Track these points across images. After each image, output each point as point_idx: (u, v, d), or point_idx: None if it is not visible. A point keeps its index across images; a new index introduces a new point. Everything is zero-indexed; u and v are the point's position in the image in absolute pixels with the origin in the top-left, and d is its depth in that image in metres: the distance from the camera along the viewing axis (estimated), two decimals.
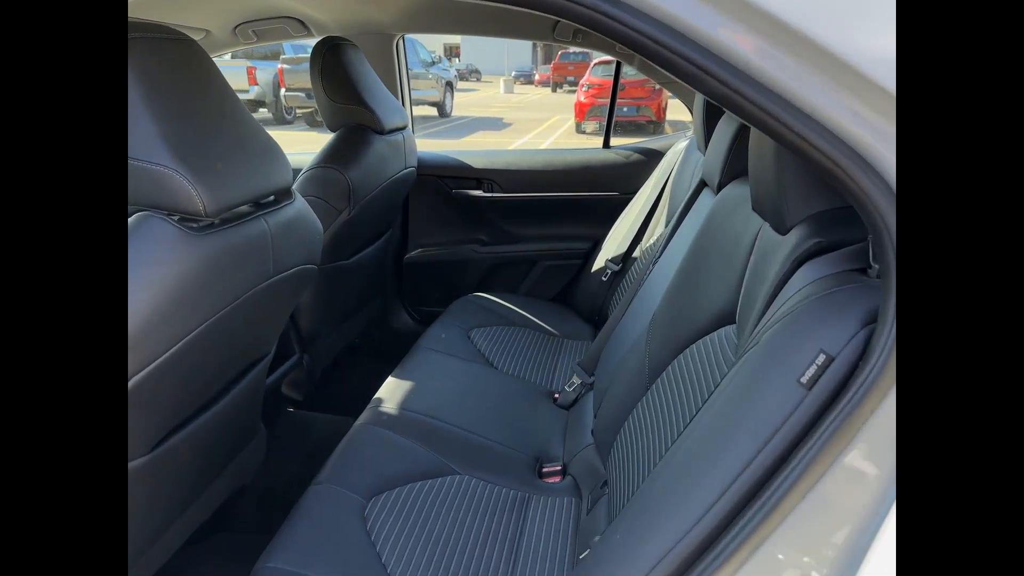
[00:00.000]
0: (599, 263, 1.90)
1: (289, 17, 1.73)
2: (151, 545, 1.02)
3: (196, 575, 1.29)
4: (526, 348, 1.69)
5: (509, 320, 1.82)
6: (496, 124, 12.29)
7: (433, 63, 12.60)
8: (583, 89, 10.48)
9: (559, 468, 1.27)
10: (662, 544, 0.55)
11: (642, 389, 1.08)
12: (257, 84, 10.14)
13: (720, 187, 1.11)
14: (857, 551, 0.47)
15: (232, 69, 10.00)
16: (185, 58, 0.85)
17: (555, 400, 1.49)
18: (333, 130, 1.60)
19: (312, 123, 10.54)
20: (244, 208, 0.92)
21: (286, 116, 10.74)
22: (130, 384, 0.75)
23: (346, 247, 1.61)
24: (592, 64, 10.96)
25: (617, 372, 1.23)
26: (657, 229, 1.73)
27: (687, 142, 1.79)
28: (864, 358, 0.48)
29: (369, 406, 1.32)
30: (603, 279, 1.84)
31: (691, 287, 1.02)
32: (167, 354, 0.78)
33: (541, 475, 1.25)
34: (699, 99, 1.52)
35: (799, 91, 0.46)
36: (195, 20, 1.69)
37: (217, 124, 0.85)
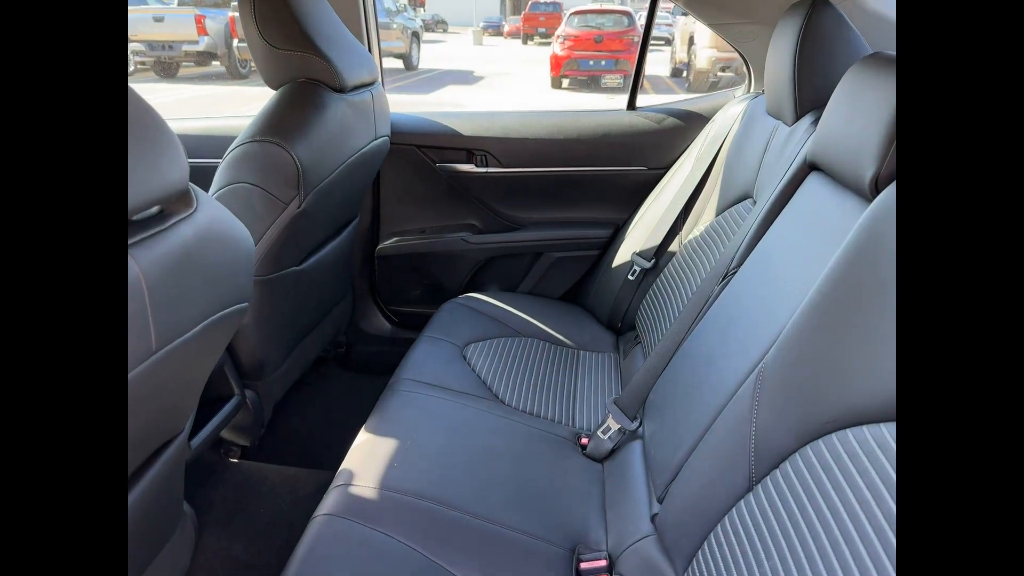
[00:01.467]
0: (623, 256, 1.52)
1: None
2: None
3: None
4: (537, 367, 1.32)
5: (512, 328, 1.45)
6: (467, 78, 11.59)
7: (398, 11, 11.75)
8: (559, 41, 9.89)
9: (603, 563, 0.92)
10: None
11: (743, 482, 0.73)
12: (207, 34, 9.27)
13: (878, 186, 0.74)
14: None
15: (179, 18, 9.12)
16: None
17: (583, 448, 1.14)
18: (274, 88, 1.16)
19: None
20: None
21: (240, 70, 9.91)
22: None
23: (298, 249, 1.20)
24: (567, 15, 10.32)
25: (691, 438, 0.88)
26: (704, 217, 1.35)
27: (744, 103, 1.40)
28: None
29: (334, 483, 0.95)
30: (629, 277, 1.47)
31: (839, 340, 0.65)
32: None
33: (579, 574, 0.91)
34: (779, 47, 1.13)
35: None
36: None
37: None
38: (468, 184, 1.65)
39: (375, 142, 1.32)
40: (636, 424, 1.11)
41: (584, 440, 1.16)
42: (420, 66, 12.61)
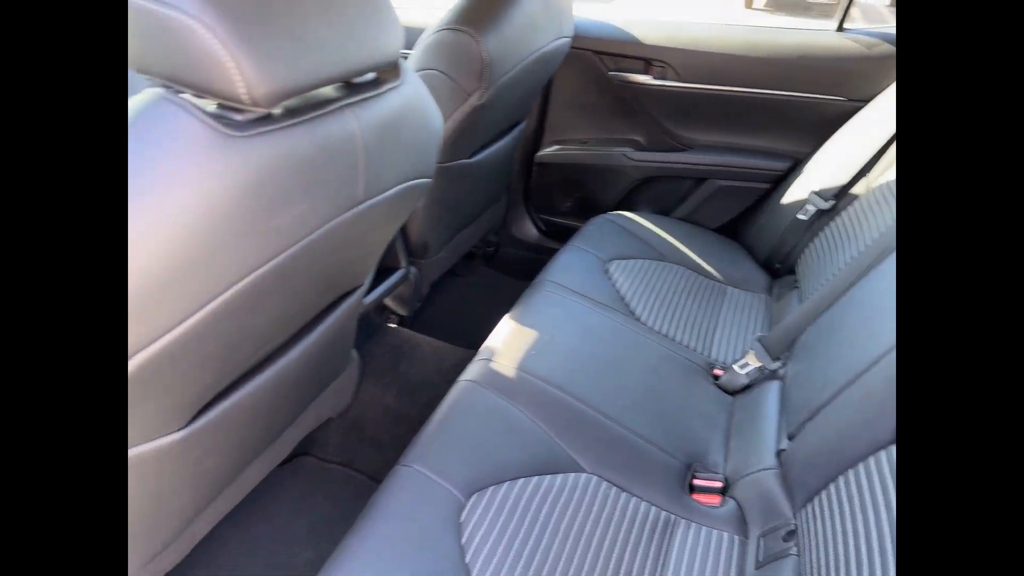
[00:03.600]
0: (797, 193, 1.42)
1: None
2: (236, 476, 0.85)
3: (278, 496, 1.16)
4: (679, 295, 1.31)
5: (659, 252, 1.43)
6: None
7: None
8: None
9: (718, 485, 0.94)
10: None
11: (887, 435, 0.70)
12: None
13: None
14: None
15: None
16: None
17: (715, 378, 1.14)
18: None
19: None
20: (324, 92, 0.59)
21: None
22: (138, 361, 0.49)
23: (471, 141, 1.26)
24: None
25: (839, 382, 0.84)
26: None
27: None
28: None
29: (477, 357, 1.04)
30: (799, 216, 1.37)
31: None
32: (188, 321, 0.51)
33: (692, 489, 0.94)
34: None
35: None
36: None
37: None
38: (640, 96, 1.60)
39: (558, 41, 1.32)
40: (777, 365, 1.08)
41: (718, 371, 1.15)
42: None
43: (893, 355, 0.76)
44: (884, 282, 0.92)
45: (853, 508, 0.69)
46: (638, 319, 1.22)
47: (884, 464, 0.68)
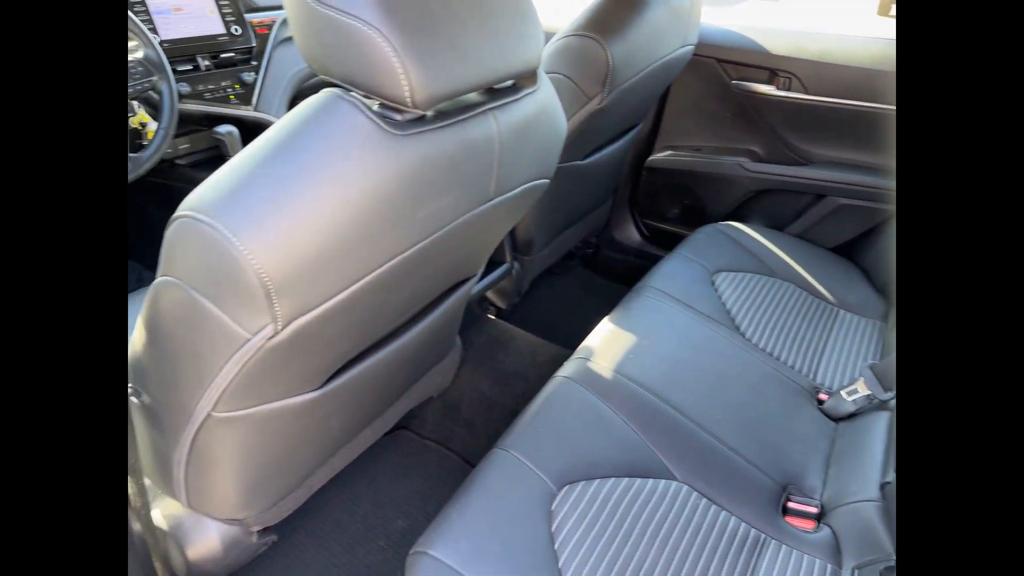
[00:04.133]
0: None
1: None
2: (326, 462, 0.93)
3: (378, 464, 1.25)
4: (787, 313, 1.27)
5: (769, 267, 1.39)
6: None
7: None
8: None
9: (814, 510, 0.92)
10: None
11: None
12: None
13: None
14: None
15: None
16: None
17: (820, 403, 1.10)
18: None
19: None
20: (472, 97, 0.64)
21: None
22: (289, 331, 0.56)
23: (586, 143, 1.29)
24: None
25: None
26: None
27: None
28: None
29: (575, 354, 1.07)
30: None
31: None
32: (339, 297, 0.57)
33: (786, 511, 0.92)
34: None
35: None
36: None
37: None
38: (761, 107, 1.56)
39: (681, 49, 1.31)
40: (889, 396, 1.03)
41: (823, 396, 1.11)
42: None
43: None
44: None
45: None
46: (742, 334, 1.20)
47: None
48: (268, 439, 0.73)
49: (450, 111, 0.60)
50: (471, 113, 0.62)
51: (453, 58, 0.55)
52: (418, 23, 0.52)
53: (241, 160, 0.53)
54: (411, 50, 0.51)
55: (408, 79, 0.51)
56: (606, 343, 1.08)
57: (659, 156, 1.73)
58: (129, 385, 0.64)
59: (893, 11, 1.95)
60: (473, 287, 1.05)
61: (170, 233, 0.53)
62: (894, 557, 0.77)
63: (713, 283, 1.31)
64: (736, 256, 1.40)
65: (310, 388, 0.71)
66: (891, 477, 0.88)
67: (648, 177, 1.77)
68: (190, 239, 0.51)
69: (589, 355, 1.06)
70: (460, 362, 1.26)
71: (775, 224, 1.63)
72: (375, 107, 0.55)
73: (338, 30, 0.51)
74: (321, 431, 0.81)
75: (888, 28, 1.57)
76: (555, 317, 1.73)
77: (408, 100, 0.52)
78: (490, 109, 0.64)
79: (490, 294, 1.48)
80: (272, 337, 0.55)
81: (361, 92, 0.55)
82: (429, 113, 0.58)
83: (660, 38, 1.21)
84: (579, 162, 1.33)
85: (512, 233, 1.36)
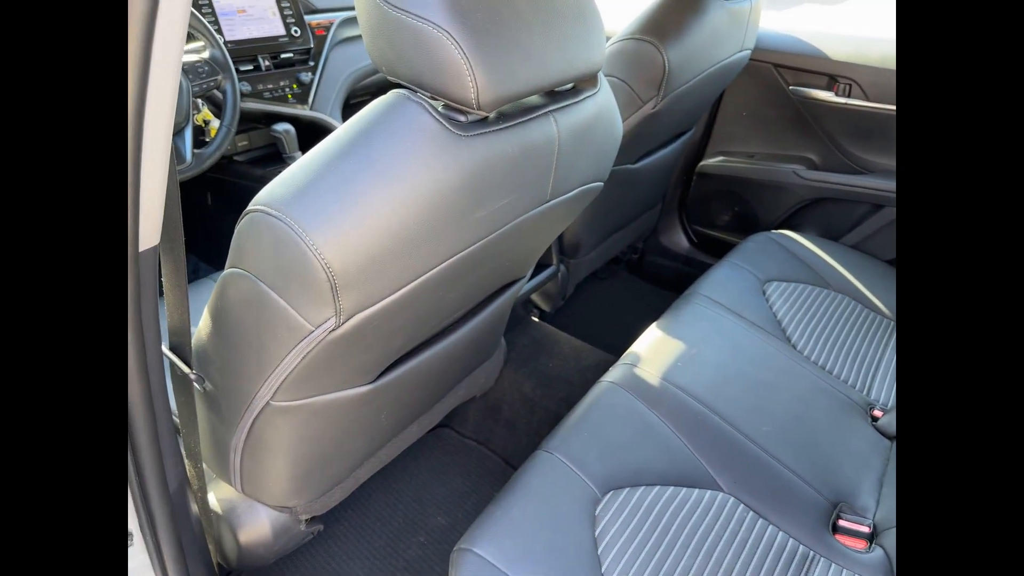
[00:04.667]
0: None
1: None
2: (373, 455, 0.95)
3: (419, 461, 1.27)
4: (841, 325, 1.23)
5: (823, 278, 1.35)
6: None
7: None
8: None
9: (866, 530, 0.88)
10: None
11: None
12: None
13: None
14: None
15: None
16: None
17: (874, 419, 1.06)
18: None
19: None
20: (534, 99, 0.65)
21: None
22: (350, 325, 0.58)
23: (638, 147, 1.27)
24: None
25: None
26: None
27: None
28: None
29: (622, 360, 1.06)
30: None
31: None
32: (399, 293, 0.58)
33: (836, 529, 0.89)
34: None
35: None
36: None
37: None
38: (819, 114, 1.52)
39: (737, 54, 1.29)
40: None
41: (877, 412, 1.07)
42: None
43: None
44: None
45: None
46: (793, 345, 1.17)
47: None
48: (321, 429, 0.74)
49: (512, 113, 0.61)
50: (532, 115, 0.62)
51: (518, 60, 0.55)
52: (485, 26, 0.52)
53: (311, 158, 0.54)
54: (478, 52, 0.52)
55: (474, 81, 0.52)
56: (653, 350, 1.07)
57: (711, 162, 1.71)
58: (193, 372, 0.67)
59: None
60: (520, 290, 1.06)
61: (241, 227, 0.55)
62: None
63: (764, 292, 1.28)
64: (789, 266, 1.36)
65: (364, 381, 0.73)
66: None
67: (699, 183, 1.74)
68: (261, 232, 0.53)
69: (636, 361, 1.05)
70: (504, 363, 1.27)
71: (830, 234, 1.58)
72: (440, 108, 0.56)
73: (408, 32, 0.52)
74: (371, 424, 0.83)
75: None
76: (599, 322, 1.71)
77: (473, 102, 0.53)
78: (551, 111, 0.64)
79: (535, 296, 1.48)
80: (334, 330, 0.57)
81: (427, 93, 0.56)
82: (491, 115, 0.59)
83: (718, 42, 1.19)
84: (630, 166, 1.31)
85: (560, 236, 1.36)
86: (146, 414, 0.57)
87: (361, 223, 0.52)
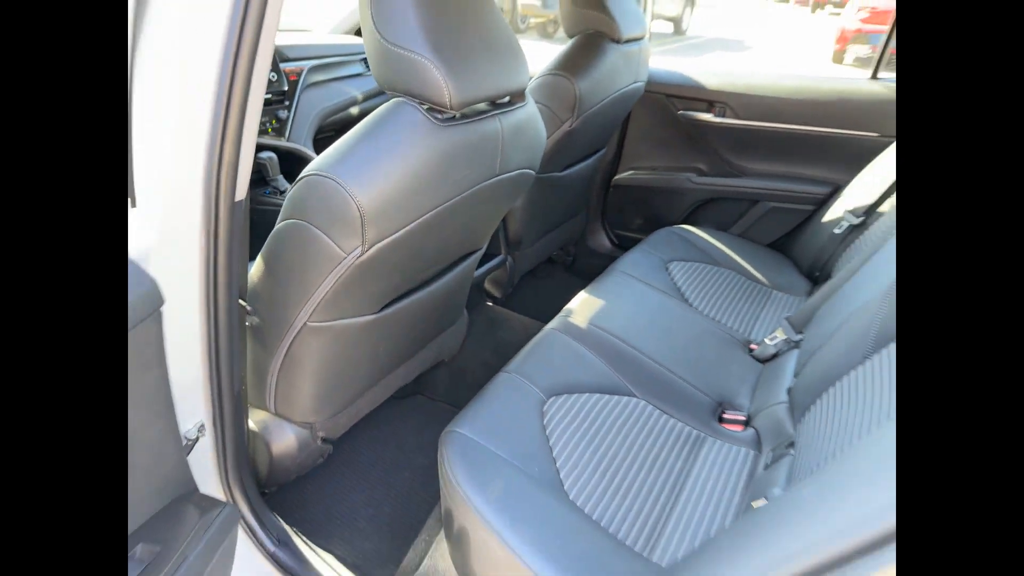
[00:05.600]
0: (835, 212, 1.67)
1: None
2: (370, 388, 1.21)
3: (398, 425, 1.51)
4: (728, 291, 1.59)
5: (714, 259, 1.71)
6: (735, 46, 11.12)
7: None
8: (854, 12, 8.92)
9: (742, 418, 1.21)
10: (851, 516, 0.50)
11: (859, 357, 0.96)
12: None
13: None
14: None
15: None
16: None
17: (751, 351, 1.40)
18: (571, 36, 1.58)
19: (544, 34, 10.55)
20: (482, 106, 0.96)
21: (520, 25, 10.88)
22: (370, 252, 0.86)
23: (562, 159, 1.62)
24: None
25: (833, 335, 1.11)
26: None
27: None
28: None
29: (560, 314, 1.37)
30: (835, 231, 1.63)
31: None
32: (401, 231, 0.87)
33: (721, 420, 1.21)
34: None
35: None
36: None
37: (468, 19, 0.89)
38: (703, 131, 1.92)
39: (632, 85, 1.67)
40: (800, 337, 1.34)
41: (754, 346, 1.41)
42: (689, 31, 12.39)
43: (873, 303, 1.02)
44: (883, 257, 1.18)
45: (829, 413, 0.95)
46: (691, 305, 1.51)
47: (855, 377, 0.94)
48: (339, 352, 1.01)
49: (471, 114, 0.92)
50: (485, 115, 0.93)
51: (475, 78, 0.87)
52: (453, 56, 0.84)
53: (345, 140, 0.83)
54: (450, 73, 0.83)
55: (447, 91, 0.83)
56: (582, 306, 1.39)
57: (623, 175, 2.08)
58: (246, 305, 0.92)
59: (846, 60, 2.36)
60: (477, 263, 1.35)
61: (298, 187, 0.83)
62: (793, 435, 1.06)
63: (668, 270, 1.62)
64: (687, 251, 1.72)
65: (371, 311, 1.00)
66: (792, 382, 1.18)
67: (614, 193, 2.11)
68: (314, 188, 0.81)
69: (569, 314, 1.36)
70: (466, 332, 1.55)
71: (719, 226, 1.97)
72: (425, 109, 0.86)
73: (403, 60, 0.83)
74: (373, 353, 1.09)
75: (826, 70, 1.95)
76: (542, 306, 2.03)
77: (447, 105, 0.84)
78: (496, 114, 0.96)
79: (488, 285, 1.78)
80: (359, 257, 0.85)
81: (416, 100, 0.86)
82: (458, 114, 0.90)
83: (616, 75, 1.56)
84: (557, 174, 1.66)
85: (506, 232, 1.67)
86: (228, 321, 0.83)
87: (379, 179, 0.81)
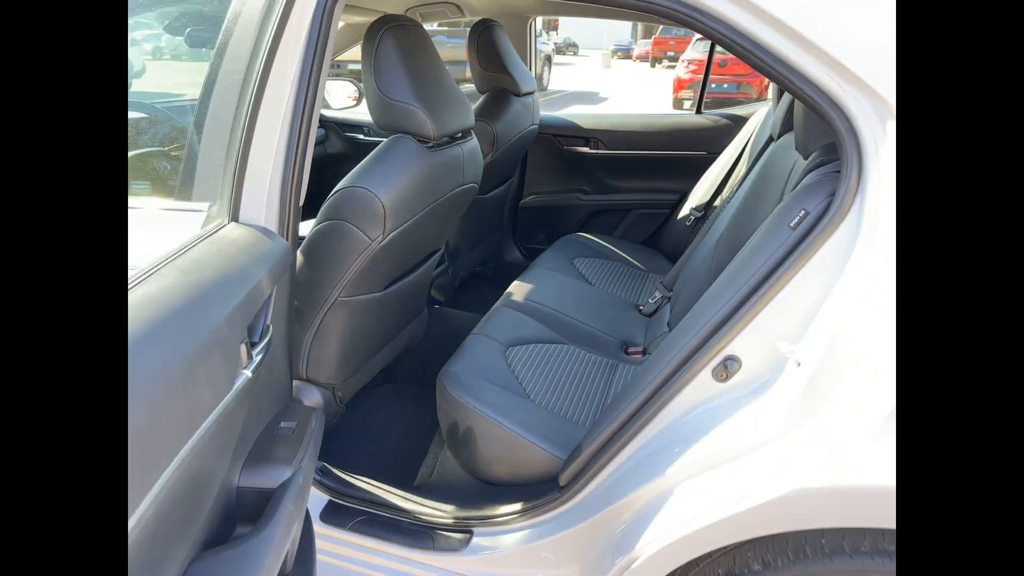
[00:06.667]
0: (684, 211, 2.28)
1: (449, 2, 2.21)
2: (377, 352, 1.56)
3: (381, 405, 1.84)
4: (619, 275, 2.12)
5: (605, 255, 2.25)
6: (591, 98, 12.51)
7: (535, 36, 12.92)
8: (684, 65, 10.56)
9: (641, 350, 1.70)
10: (701, 325, 0.98)
11: (707, 284, 1.49)
12: None
13: (779, 136, 1.49)
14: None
15: None
16: (418, 36, 1.33)
17: (640, 310, 1.92)
18: (481, 92, 2.07)
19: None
20: (447, 139, 1.41)
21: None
22: (387, 239, 1.25)
23: (486, 184, 2.09)
24: (693, 40, 10.93)
25: (690, 278, 1.64)
26: (735, 182, 2.09)
27: (767, 109, 2.12)
28: (826, 212, 0.86)
29: (503, 297, 1.81)
30: (687, 224, 2.23)
31: (751, 208, 1.41)
32: (407, 223, 1.28)
33: (627, 353, 1.70)
34: None
35: (795, 59, 0.82)
36: (377, 4, 2.21)
37: (436, 79, 1.34)
38: (584, 161, 2.50)
39: (531, 127, 2.20)
40: (669, 293, 1.88)
41: (641, 308, 1.94)
42: (549, 87, 13.72)
43: (708, 258, 1.56)
44: (716, 229, 1.75)
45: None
46: (593, 285, 2.01)
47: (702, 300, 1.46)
48: (359, 321, 1.37)
49: (444, 143, 1.36)
50: (452, 143, 1.38)
51: (445, 117, 1.31)
52: (433, 105, 1.28)
53: (366, 162, 1.23)
54: (431, 115, 1.26)
55: (431, 127, 1.26)
56: (517, 289, 1.84)
57: (528, 200, 2.60)
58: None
59: (685, 105, 3.09)
60: (436, 264, 1.75)
61: (335, 198, 1.21)
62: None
63: (573, 264, 2.13)
64: (584, 251, 2.24)
65: (379, 289, 1.38)
66: (670, 319, 1.70)
67: (522, 215, 2.62)
68: (349, 194, 1.19)
69: (510, 295, 1.80)
70: (426, 325, 1.93)
71: (604, 231, 2.53)
72: (416, 140, 1.29)
73: (398, 107, 1.25)
74: (379, 325, 1.46)
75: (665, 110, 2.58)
76: (479, 305, 2.45)
77: (431, 136, 1.27)
78: (458, 143, 1.41)
79: (434, 291, 2.18)
80: (381, 242, 1.24)
81: (410, 134, 1.29)
82: (435, 144, 1.33)
83: (519, 119, 2.08)
84: (483, 195, 2.12)
85: (447, 244, 2.10)
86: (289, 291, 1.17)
87: (393, 186, 1.22)
